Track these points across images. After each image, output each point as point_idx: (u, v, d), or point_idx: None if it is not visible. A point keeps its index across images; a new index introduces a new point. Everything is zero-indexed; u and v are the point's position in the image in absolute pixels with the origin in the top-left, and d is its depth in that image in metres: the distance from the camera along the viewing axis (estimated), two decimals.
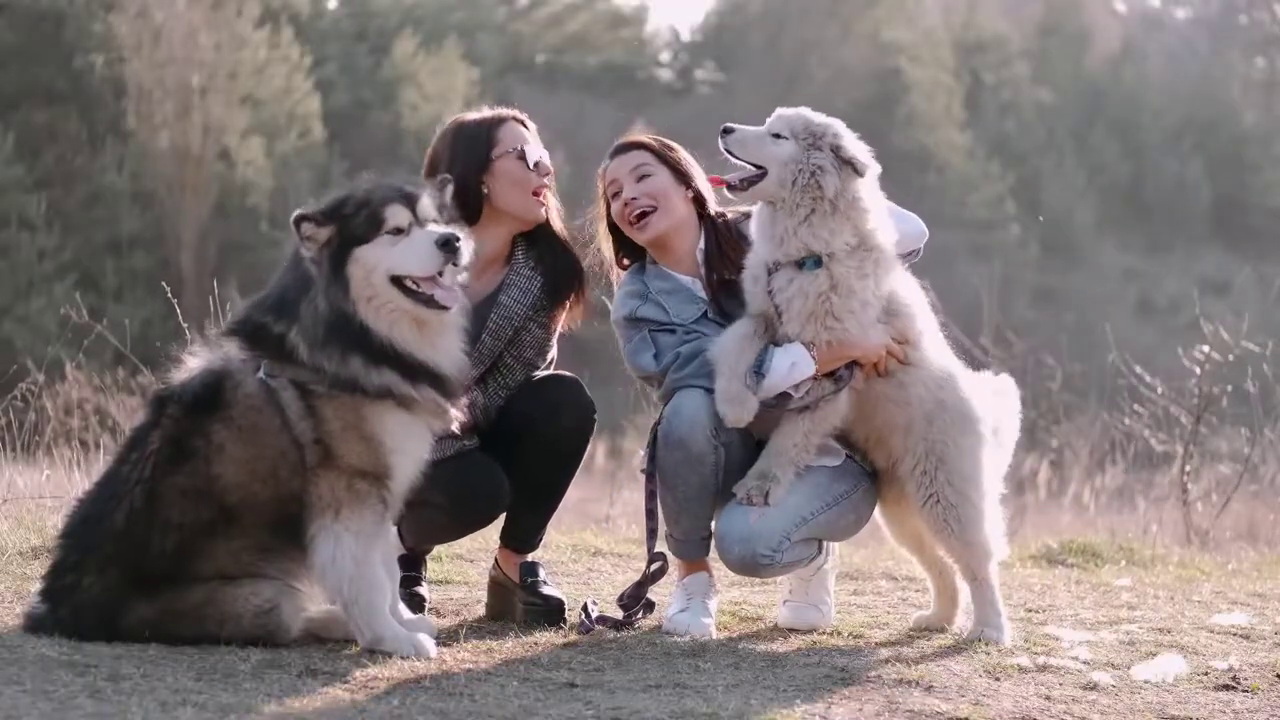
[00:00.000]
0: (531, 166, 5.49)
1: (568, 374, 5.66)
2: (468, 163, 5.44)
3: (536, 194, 5.52)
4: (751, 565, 5.30)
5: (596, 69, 45.73)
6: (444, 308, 4.77)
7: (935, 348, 5.45)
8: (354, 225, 4.74)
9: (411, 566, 5.70)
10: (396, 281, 4.73)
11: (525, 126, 5.59)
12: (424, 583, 5.76)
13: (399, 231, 4.75)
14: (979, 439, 5.41)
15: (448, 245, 4.73)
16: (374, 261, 4.72)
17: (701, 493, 5.35)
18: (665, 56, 49.44)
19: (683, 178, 5.57)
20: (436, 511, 5.30)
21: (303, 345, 4.71)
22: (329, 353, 4.69)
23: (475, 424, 5.43)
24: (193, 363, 4.85)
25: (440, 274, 4.75)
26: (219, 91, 33.59)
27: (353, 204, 4.78)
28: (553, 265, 5.58)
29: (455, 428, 4.99)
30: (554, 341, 5.69)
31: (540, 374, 5.60)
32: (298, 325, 4.72)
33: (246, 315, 4.86)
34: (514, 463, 5.46)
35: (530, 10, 47.51)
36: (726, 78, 46.51)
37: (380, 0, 42.44)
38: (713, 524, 5.40)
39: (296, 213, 4.77)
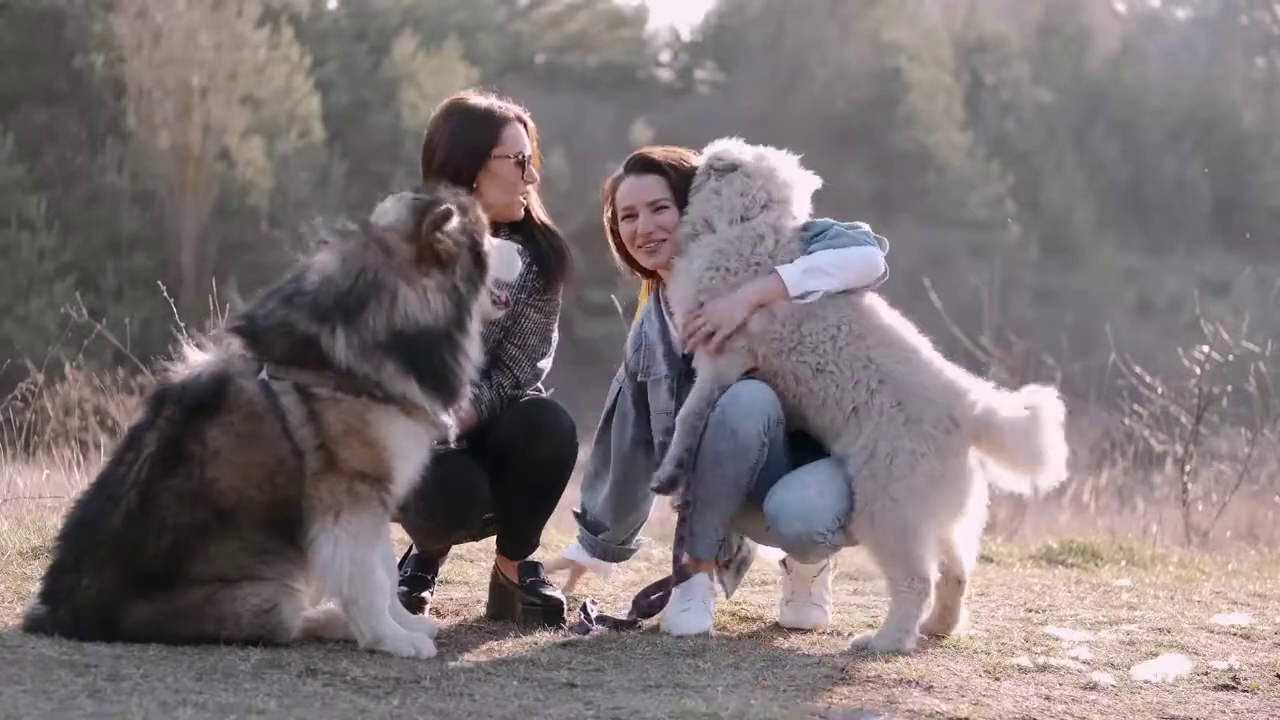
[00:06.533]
0: (524, 176, 5.54)
1: (547, 399, 5.62)
2: (467, 153, 5.48)
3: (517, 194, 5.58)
4: (807, 543, 5.23)
5: (596, 69, 45.74)
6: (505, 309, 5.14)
7: (901, 343, 5.32)
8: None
9: (426, 568, 5.70)
10: None
11: (526, 128, 5.61)
12: (431, 585, 5.73)
13: None
14: (927, 443, 5.17)
15: (524, 253, 5.08)
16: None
17: (735, 489, 5.30)
18: (665, 56, 49.45)
19: (683, 206, 5.58)
20: (412, 512, 5.26)
21: (345, 347, 4.66)
22: (374, 358, 4.68)
23: (480, 417, 5.42)
24: (194, 359, 4.82)
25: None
26: (219, 91, 33.61)
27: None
28: (543, 250, 5.61)
29: (454, 435, 4.97)
30: (554, 328, 5.71)
31: (525, 398, 5.56)
32: (349, 329, 4.66)
33: (267, 312, 4.76)
34: (500, 480, 5.45)
35: (530, 10, 47.51)
36: (726, 78, 46.50)
37: (380, 0, 42.45)
38: (765, 506, 5.29)
39: (444, 206, 4.79)
